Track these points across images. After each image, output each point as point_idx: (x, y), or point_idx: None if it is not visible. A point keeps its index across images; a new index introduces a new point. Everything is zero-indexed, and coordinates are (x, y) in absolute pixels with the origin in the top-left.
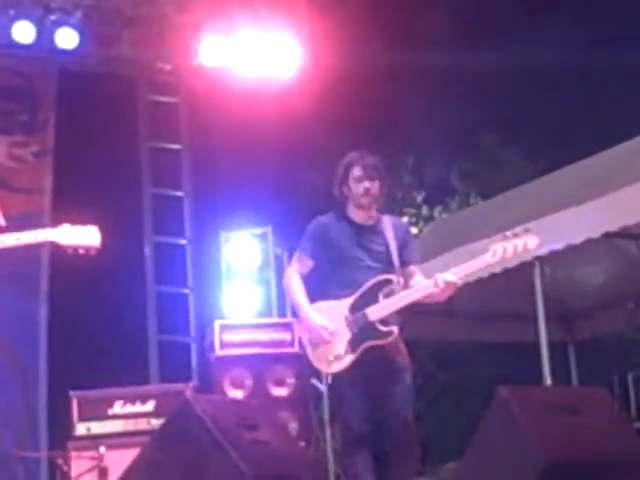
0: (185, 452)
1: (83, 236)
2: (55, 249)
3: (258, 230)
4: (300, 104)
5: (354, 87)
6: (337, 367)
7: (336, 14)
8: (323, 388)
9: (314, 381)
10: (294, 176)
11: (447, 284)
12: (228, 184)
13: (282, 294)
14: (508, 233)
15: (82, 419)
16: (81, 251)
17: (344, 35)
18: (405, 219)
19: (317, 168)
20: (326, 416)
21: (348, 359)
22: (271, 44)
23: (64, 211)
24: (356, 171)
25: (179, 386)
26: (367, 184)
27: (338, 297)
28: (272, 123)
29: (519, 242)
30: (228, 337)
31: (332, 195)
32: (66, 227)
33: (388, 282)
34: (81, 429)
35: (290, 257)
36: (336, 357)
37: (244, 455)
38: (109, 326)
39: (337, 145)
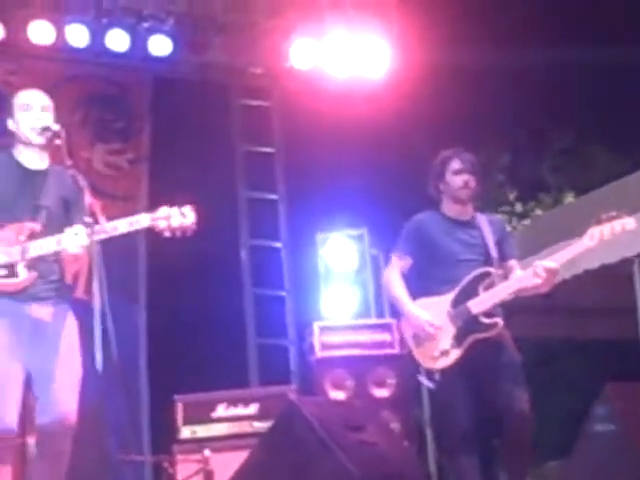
0: (292, 454)
1: (180, 217)
2: (156, 251)
3: (354, 231)
4: (391, 104)
5: (444, 86)
6: (444, 362)
7: (426, 14)
8: (430, 385)
9: (421, 378)
10: (387, 176)
11: (548, 271)
12: (322, 186)
13: (379, 295)
14: (603, 216)
15: (187, 423)
16: (178, 233)
17: (434, 34)
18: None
19: (410, 168)
20: (427, 415)
21: (454, 354)
22: (361, 45)
23: None
24: (455, 164)
25: (281, 389)
26: (465, 176)
27: (439, 293)
28: (364, 123)
29: (616, 224)
30: (328, 339)
31: (425, 195)
32: (164, 209)
33: (487, 275)
34: (186, 432)
35: (386, 257)
36: (442, 352)
37: (351, 456)
38: (207, 330)
39: (429, 144)
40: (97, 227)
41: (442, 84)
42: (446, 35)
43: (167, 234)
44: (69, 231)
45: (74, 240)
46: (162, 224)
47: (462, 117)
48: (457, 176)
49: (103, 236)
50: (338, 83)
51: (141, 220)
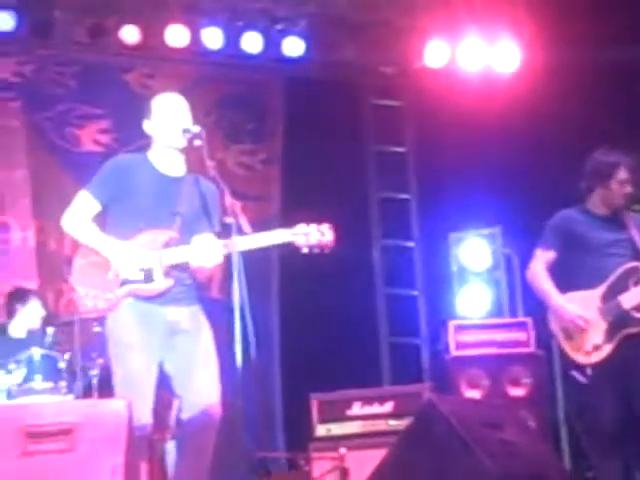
0: (431, 452)
1: (317, 235)
2: (288, 251)
3: (487, 230)
4: (523, 101)
5: (578, 84)
6: (597, 357)
7: (557, 11)
8: (583, 379)
9: (574, 373)
10: (520, 174)
11: None
12: (455, 184)
13: (513, 294)
14: None
15: (322, 421)
16: (316, 250)
17: (566, 32)
18: None
19: (542, 166)
20: (562, 415)
21: (607, 349)
22: (493, 44)
23: (292, 217)
24: (622, 174)
25: (416, 387)
26: (629, 189)
27: (587, 287)
28: (496, 121)
29: None
30: (463, 338)
31: (557, 193)
32: (302, 226)
33: (636, 270)
34: (321, 430)
35: (521, 256)
36: (595, 347)
37: (491, 454)
38: (340, 330)
39: (563, 142)
40: (234, 240)
41: (576, 81)
42: (578, 31)
43: (304, 251)
44: (197, 244)
45: (209, 258)
46: (300, 240)
47: (596, 114)
48: (621, 186)
49: (238, 249)
50: (470, 81)
51: (280, 235)
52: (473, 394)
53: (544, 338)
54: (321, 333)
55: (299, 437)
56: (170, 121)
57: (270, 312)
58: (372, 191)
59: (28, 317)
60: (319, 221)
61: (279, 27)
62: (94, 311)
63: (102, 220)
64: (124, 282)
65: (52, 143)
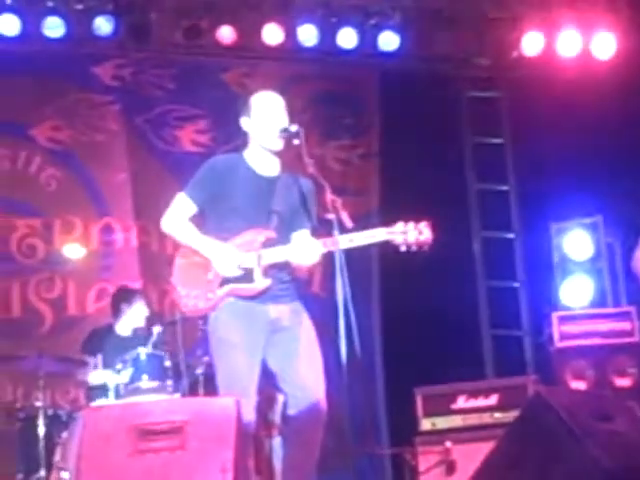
0: (541, 445)
1: (416, 233)
2: (388, 247)
3: (588, 220)
4: (622, 89)
5: None
6: None
7: None
8: None
9: None
10: (621, 163)
11: None
12: (554, 175)
13: (616, 283)
14: None
15: (427, 415)
16: (414, 248)
17: None
18: None
19: None
20: None
21: None
22: (589, 30)
23: (391, 211)
24: None
25: (521, 379)
26: None
27: None
28: (594, 110)
29: None
30: (567, 329)
31: None
32: (400, 225)
33: None
34: (426, 424)
35: (623, 245)
36: None
37: (603, 447)
38: (441, 322)
39: None
40: (333, 239)
41: None
42: None
43: (403, 249)
44: (297, 243)
45: (304, 254)
46: (398, 239)
47: None
48: None
49: (339, 247)
50: (566, 70)
51: (378, 234)
52: (578, 385)
53: None
54: (423, 327)
55: (403, 432)
56: (269, 120)
57: (371, 307)
58: (470, 183)
59: (133, 317)
60: (418, 215)
61: (373, 22)
62: (195, 310)
63: (200, 221)
64: (224, 282)
65: (152, 145)
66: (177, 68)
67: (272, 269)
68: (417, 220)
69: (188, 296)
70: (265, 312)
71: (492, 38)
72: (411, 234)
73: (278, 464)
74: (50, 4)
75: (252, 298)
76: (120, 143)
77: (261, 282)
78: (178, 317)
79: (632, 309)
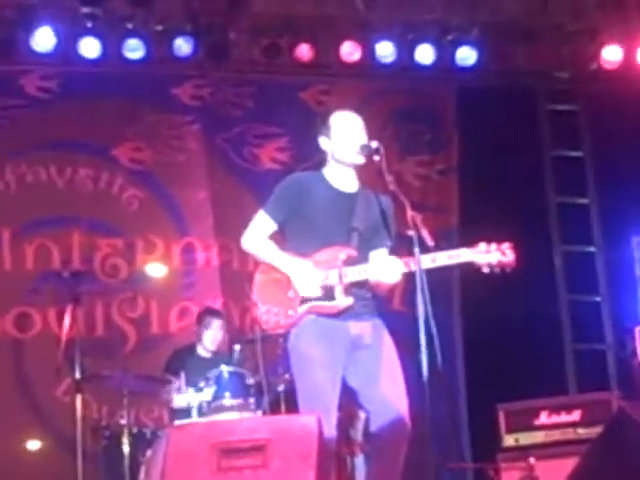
0: (626, 461)
1: (498, 254)
2: (469, 267)
3: None
4: None
5: None
6: None
7: None
8: None
9: None
10: None
11: None
12: (635, 187)
13: None
14: None
15: (509, 431)
16: (496, 270)
17: None
18: None
19: None
20: None
21: None
22: None
23: (471, 227)
24: None
25: (604, 394)
26: None
27: None
28: None
29: None
30: None
31: None
32: (482, 246)
33: None
34: (509, 440)
35: None
36: None
37: None
38: (523, 337)
39: None
40: (415, 258)
41: None
42: None
43: (485, 270)
44: (379, 262)
45: (390, 276)
46: (481, 260)
47: None
48: None
49: (422, 267)
50: None
51: (461, 255)
52: None
53: None
54: (504, 342)
55: (486, 447)
56: (349, 138)
57: (452, 322)
58: (550, 197)
59: (214, 336)
60: (498, 230)
61: (451, 37)
62: (276, 327)
63: (280, 238)
64: (305, 299)
65: (232, 163)
66: (256, 86)
67: (353, 287)
68: (498, 236)
69: (269, 313)
70: (346, 329)
71: (570, 51)
72: (494, 255)
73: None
74: (130, 26)
75: (333, 316)
76: (200, 162)
77: (343, 300)
78: (258, 335)
79: None
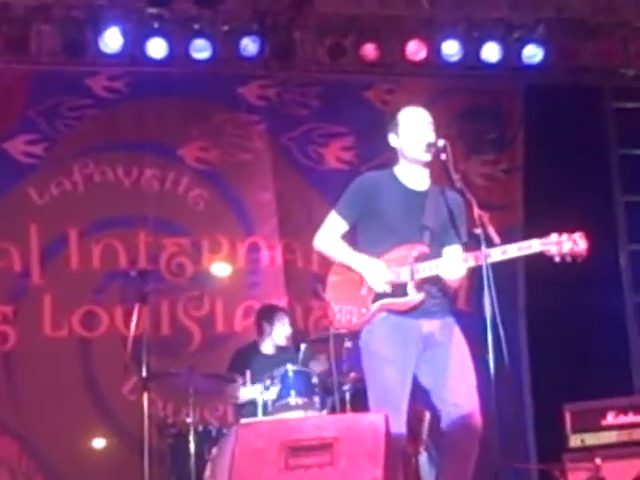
0: None
1: (571, 244)
2: (532, 262)
3: None
4: None
5: None
6: None
7: None
8: None
9: None
10: None
11: None
12: None
13: None
14: None
15: (575, 431)
16: (568, 259)
17: None
18: None
19: None
20: None
21: None
22: None
23: (536, 226)
24: None
25: None
26: None
27: None
28: None
29: None
30: None
31: None
32: (554, 236)
33: None
34: (575, 441)
35: None
36: None
37: None
38: (589, 337)
39: None
40: (488, 251)
41: None
42: None
43: (557, 259)
44: (449, 257)
45: (454, 270)
46: (553, 250)
47: None
48: None
49: (491, 260)
50: None
51: (532, 245)
52: None
53: None
54: (570, 342)
55: (551, 448)
56: (416, 135)
57: (517, 322)
58: (617, 195)
59: (277, 334)
60: (563, 229)
61: (517, 35)
62: (349, 326)
63: (352, 237)
64: (377, 297)
65: (297, 162)
66: (321, 86)
67: (424, 284)
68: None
69: (341, 312)
70: (418, 327)
71: (637, 48)
72: (566, 245)
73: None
74: (196, 27)
75: (405, 313)
76: (265, 162)
77: (415, 296)
78: (331, 333)
79: None
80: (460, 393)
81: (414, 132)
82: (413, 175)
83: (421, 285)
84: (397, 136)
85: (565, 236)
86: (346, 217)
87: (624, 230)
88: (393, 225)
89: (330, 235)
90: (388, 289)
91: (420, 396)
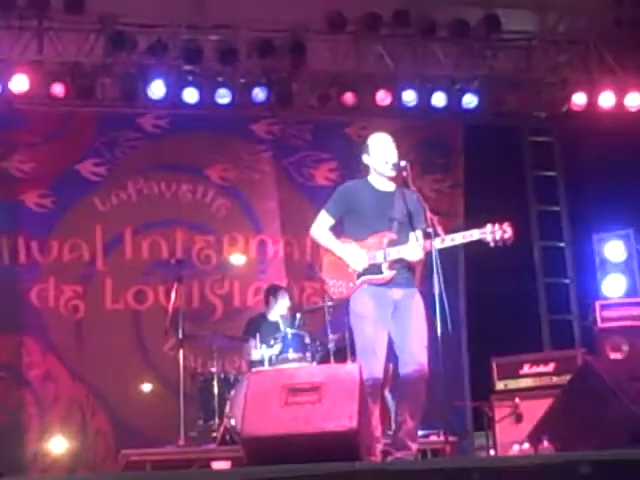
0: (588, 400)
1: (501, 232)
2: (471, 251)
3: (622, 232)
4: None
5: None
6: None
7: None
8: None
9: None
10: None
11: None
12: (596, 198)
13: None
14: None
15: (500, 378)
16: (500, 244)
17: None
18: None
19: None
20: None
21: None
22: (622, 90)
23: (472, 227)
24: None
25: (572, 352)
26: None
27: None
28: (627, 148)
29: None
30: (607, 314)
31: None
32: (489, 226)
33: None
34: (500, 385)
35: None
36: None
37: (635, 400)
38: (511, 309)
39: None
40: (438, 239)
41: None
42: None
43: (492, 244)
44: (411, 242)
45: (415, 253)
46: (488, 237)
47: None
48: None
49: (443, 245)
50: (604, 120)
51: (473, 234)
52: (616, 356)
53: None
54: (497, 313)
55: (482, 390)
56: (383, 155)
57: (458, 298)
58: (531, 205)
59: (280, 306)
60: None
61: (458, 87)
62: (341, 297)
63: (339, 229)
64: (360, 274)
65: (294, 180)
66: (312, 124)
67: (395, 263)
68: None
69: (335, 285)
70: (390, 295)
71: (547, 97)
72: (498, 232)
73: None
74: (220, 79)
75: (381, 285)
76: (271, 180)
77: (388, 273)
78: (325, 304)
79: None
80: (415, 345)
81: (381, 152)
82: (382, 181)
83: (392, 264)
84: (368, 155)
85: (497, 226)
86: (333, 214)
87: (537, 231)
88: (368, 219)
89: (320, 228)
90: (364, 268)
91: (390, 347)
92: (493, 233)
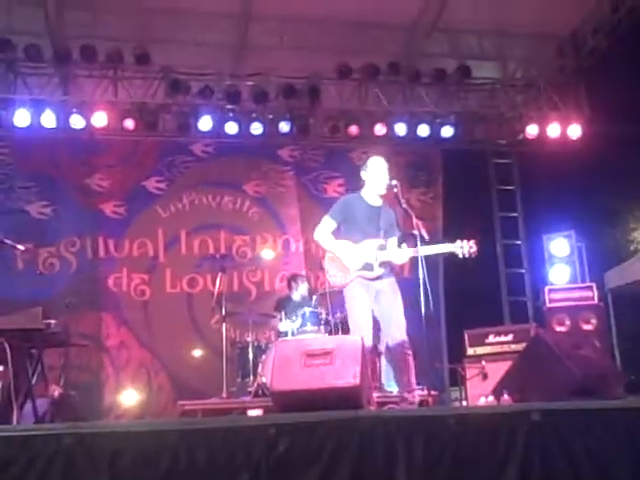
0: (539, 363)
1: (468, 246)
2: (450, 256)
3: (566, 232)
4: (588, 154)
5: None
6: None
7: (606, 103)
8: None
9: None
10: (587, 199)
11: None
12: (544, 206)
13: (582, 271)
14: None
15: (471, 345)
16: (467, 256)
17: (618, 107)
18: None
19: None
20: (615, 340)
21: None
22: (565, 123)
23: (450, 230)
24: None
25: (526, 326)
26: None
27: None
28: (570, 167)
29: None
30: (554, 296)
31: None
32: (459, 242)
33: None
34: (470, 351)
35: (587, 248)
36: None
37: (575, 363)
38: (480, 295)
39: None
40: (421, 248)
41: (609, 141)
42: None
43: (460, 257)
44: (400, 249)
45: (401, 256)
46: (458, 251)
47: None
48: None
49: (426, 254)
50: (552, 145)
51: (446, 247)
52: (561, 329)
53: (603, 296)
54: (468, 296)
55: (457, 355)
56: (378, 176)
57: (438, 284)
58: (495, 212)
59: (301, 290)
60: (466, 231)
61: (438, 121)
62: (339, 286)
63: (337, 233)
64: (355, 270)
65: (311, 193)
66: (325, 150)
67: (383, 264)
68: (465, 235)
69: (334, 276)
70: (375, 285)
71: (507, 128)
72: (466, 248)
73: (383, 375)
74: (254, 115)
75: (370, 278)
76: (293, 192)
77: (378, 271)
78: (328, 290)
79: (593, 285)
80: (397, 324)
81: (377, 173)
82: (373, 197)
83: (381, 264)
84: (366, 172)
85: (465, 242)
86: (334, 219)
87: (499, 232)
88: (362, 226)
89: (323, 231)
90: (362, 266)
91: (375, 324)
92: (462, 247)
